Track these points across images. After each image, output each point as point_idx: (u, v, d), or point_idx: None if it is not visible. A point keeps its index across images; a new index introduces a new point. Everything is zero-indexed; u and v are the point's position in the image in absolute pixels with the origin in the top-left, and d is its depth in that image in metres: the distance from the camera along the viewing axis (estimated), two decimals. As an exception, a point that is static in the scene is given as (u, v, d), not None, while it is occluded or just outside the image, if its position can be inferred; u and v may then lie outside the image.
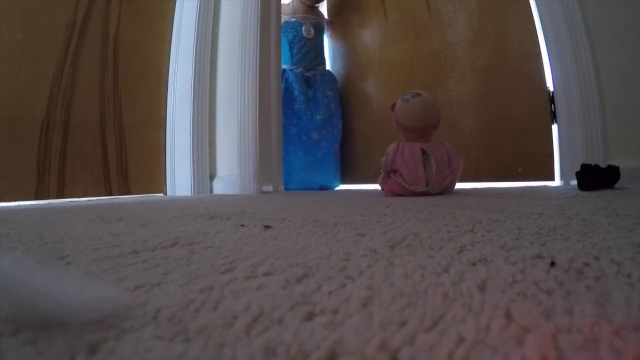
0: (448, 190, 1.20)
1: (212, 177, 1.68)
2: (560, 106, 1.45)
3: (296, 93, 1.85)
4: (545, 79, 1.55)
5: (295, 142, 1.86)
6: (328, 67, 2.09)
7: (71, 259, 0.35)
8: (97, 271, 0.31)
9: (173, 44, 1.71)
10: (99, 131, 1.47)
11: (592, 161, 1.21)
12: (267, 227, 0.53)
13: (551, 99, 1.51)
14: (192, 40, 1.66)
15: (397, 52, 1.96)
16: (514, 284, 0.24)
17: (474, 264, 0.30)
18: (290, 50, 1.88)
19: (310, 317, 0.20)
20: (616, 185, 1.12)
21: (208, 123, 1.69)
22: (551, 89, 1.51)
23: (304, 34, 1.88)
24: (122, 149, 1.54)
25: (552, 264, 0.29)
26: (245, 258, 0.34)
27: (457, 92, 1.78)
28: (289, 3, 1.96)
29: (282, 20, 1.85)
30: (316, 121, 1.86)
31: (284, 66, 1.85)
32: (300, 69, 1.89)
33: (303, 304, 0.22)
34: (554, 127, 1.51)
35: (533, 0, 1.55)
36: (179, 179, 1.65)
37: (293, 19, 1.91)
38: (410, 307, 0.21)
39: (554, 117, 1.51)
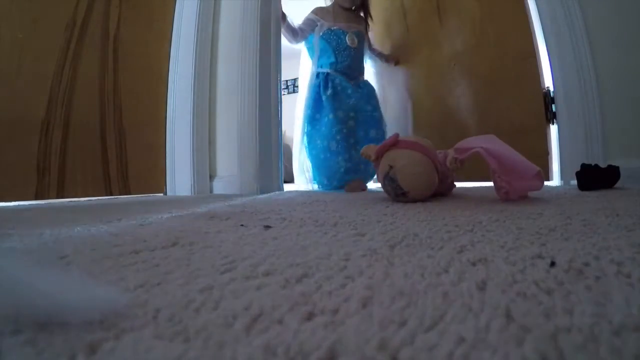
0: (448, 190, 1.20)
1: (212, 177, 1.68)
2: (560, 106, 1.45)
3: (350, 91, 1.75)
4: (542, 80, 1.56)
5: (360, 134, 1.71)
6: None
7: (71, 259, 0.35)
8: (97, 271, 0.31)
9: (173, 44, 1.71)
10: (99, 131, 1.47)
11: (592, 161, 1.21)
12: (267, 227, 0.53)
13: (551, 99, 1.51)
14: (192, 40, 1.66)
15: (415, 64, 2.03)
16: (514, 284, 0.24)
17: (474, 264, 0.30)
18: (335, 57, 1.81)
19: (310, 317, 0.20)
20: (616, 185, 1.12)
21: (208, 123, 1.69)
22: (551, 89, 1.51)
23: (348, 43, 1.81)
24: (122, 149, 1.54)
25: (552, 264, 0.29)
26: (245, 258, 0.34)
27: (463, 96, 1.82)
28: (330, 10, 1.87)
29: (325, 27, 1.80)
30: (375, 118, 1.76)
31: (326, 70, 1.79)
32: (343, 77, 1.80)
33: (303, 304, 0.22)
34: (554, 127, 1.51)
35: (533, 1, 1.55)
36: (179, 179, 1.65)
37: (335, 27, 1.82)
38: (410, 307, 0.21)
39: (553, 117, 1.51)
